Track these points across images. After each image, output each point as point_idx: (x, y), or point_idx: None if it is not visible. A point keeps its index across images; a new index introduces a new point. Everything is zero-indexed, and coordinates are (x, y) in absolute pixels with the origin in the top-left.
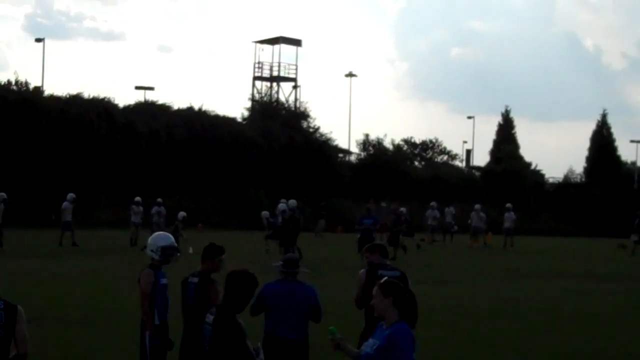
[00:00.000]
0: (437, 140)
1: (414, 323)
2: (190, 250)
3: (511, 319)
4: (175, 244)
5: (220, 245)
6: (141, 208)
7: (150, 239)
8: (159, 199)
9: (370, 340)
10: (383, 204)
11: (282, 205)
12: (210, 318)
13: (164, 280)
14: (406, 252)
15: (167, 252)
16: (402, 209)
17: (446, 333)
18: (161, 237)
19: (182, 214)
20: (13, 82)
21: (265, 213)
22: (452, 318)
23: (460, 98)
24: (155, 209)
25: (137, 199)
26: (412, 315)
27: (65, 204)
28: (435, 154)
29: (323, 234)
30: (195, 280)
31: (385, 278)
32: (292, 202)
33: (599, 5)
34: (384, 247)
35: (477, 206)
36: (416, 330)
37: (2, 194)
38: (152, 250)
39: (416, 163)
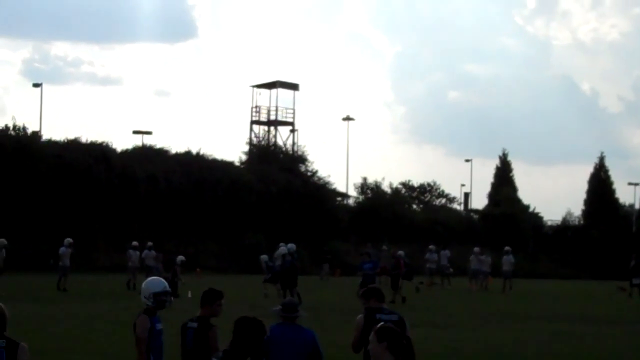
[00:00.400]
0: (435, 183)
1: None
2: (189, 295)
3: None
4: (169, 289)
5: (219, 290)
6: (138, 252)
7: (143, 285)
8: (150, 243)
9: None
10: (384, 247)
11: (282, 249)
12: None
13: (159, 326)
14: (404, 301)
15: (160, 298)
16: (400, 252)
17: None
18: (154, 283)
19: (180, 258)
20: (11, 127)
21: (264, 257)
22: None
23: (457, 141)
24: (145, 252)
25: (134, 243)
26: (407, 358)
27: (62, 249)
28: (433, 197)
29: (328, 277)
30: (195, 325)
31: (382, 323)
32: (291, 246)
33: (594, 49)
34: (379, 291)
35: (476, 249)
36: None
37: (3, 240)
38: (145, 297)
39: (414, 206)
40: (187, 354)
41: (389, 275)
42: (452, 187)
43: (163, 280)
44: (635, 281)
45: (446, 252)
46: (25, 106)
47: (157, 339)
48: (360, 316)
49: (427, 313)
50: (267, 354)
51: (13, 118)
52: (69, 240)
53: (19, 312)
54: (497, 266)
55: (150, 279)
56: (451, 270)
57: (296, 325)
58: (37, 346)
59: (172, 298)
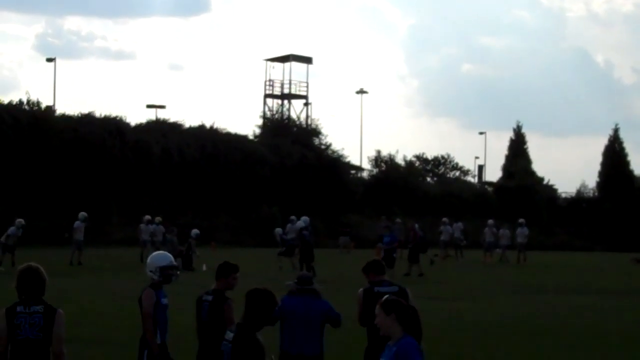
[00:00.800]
0: (449, 156)
1: (419, 338)
2: (204, 268)
3: (525, 335)
4: (175, 263)
5: (234, 264)
6: (150, 226)
7: (149, 259)
8: (158, 218)
9: None
10: (398, 220)
11: (299, 223)
12: (230, 335)
13: (165, 300)
14: (422, 276)
15: (166, 272)
16: (416, 225)
17: (459, 349)
18: (160, 257)
19: (195, 231)
20: (25, 102)
21: (278, 230)
22: (466, 334)
23: (471, 114)
24: (154, 227)
25: (147, 217)
26: (416, 329)
27: (77, 223)
28: (447, 170)
29: (348, 250)
30: (210, 298)
31: (386, 296)
32: (305, 219)
33: (609, 20)
34: (376, 263)
35: (490, 221)
36: (428, 346)
37: (20, 220)
38: (150, 271)
39: (428, 179)
40: (203, 327)
41: (404, 247)
42: (466, 159)
43: (169, 254)
44: None
45: (459, 225)
46: (39, 81)
47: (163, 314)
48: (360, 290)
49: (442, 285)
50: (281, 324)
51: (27, 93)
52: (83, 214)
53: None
54: (511, 238)
55: (156, 252)
56: (465, 242)
57: (309, 297)
58: None
59: (179, 272)
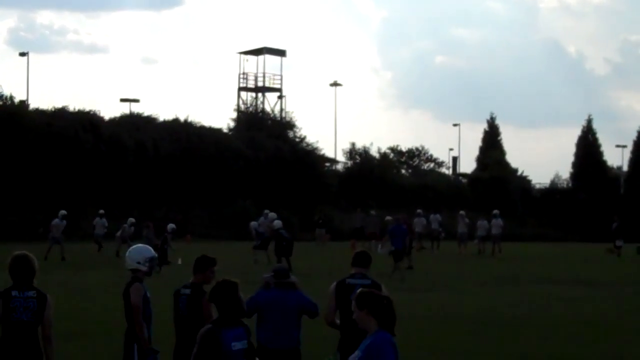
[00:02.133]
0: (423, 148)
1: (391, 328)
2: (179, 261)
3: (502, 326)
4: (156, 255)
5: (212, 257)
6: (104, 220)
7: (133, 252)
8: (101, 211)
9: (355, 353)
10: (372, 212)
11: (277, 223)
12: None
13: (148, 293)
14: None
15: (152, 264)
16: (388, 217)
17: (433, 341)
18: (145, 249)
19: (171, 225)
20: None
21: (253, 223)
22: (443, 326)
23: (445, 106)
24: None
25: (101, 211)
26: (389, 320)
27: (55, 220)
28: (422, 162)
29: (324, 243)
30: (187, 291)
31: (360, 290)
32: (278, 222)
33: (580, 11)
34: (358, 256)
35: (462, 212)
36: (406, 338)
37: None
38: (138, 262)
39: (403, 171)
40: (181, 321)
41: (379, 239)
42: (440, 151)
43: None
44: (618, 243)
45: (437, 216)
46: (12, 75)
47: (148, 307)
48: (333, 284)
49: (417, 277)
50: (258, 317)
51: (0, 87)
52: (63, 212)
53: (4, 282)
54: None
55: (137, 245)
56: (443, 234)
57: (287, 289)
58: None
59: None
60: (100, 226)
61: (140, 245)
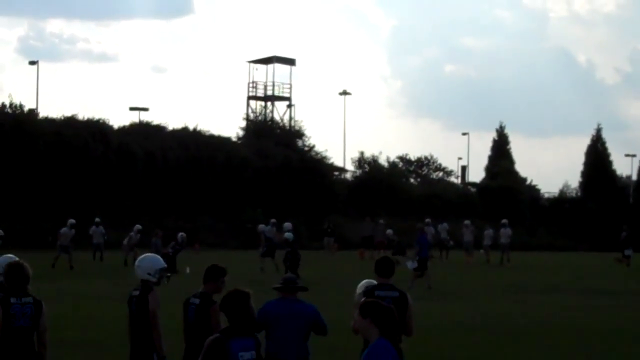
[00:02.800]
0: (432, 157)
1: (393, 337)
2: (187, 270)
3: (509, 335)
4: (166, 265)
5: (223, 267)
6: (72, 231)
7: (143, 262)
8: (97, 219)
9: None
10: (381, 221)
11: (288, 235)
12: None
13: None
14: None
15: (162, 275)
16: (389, 231)
17: (443, 350)
18: (156, 259)
19: (181, 235)
20: (7, 105)
21: (262, 226)
22: (450, 335)
23: (454, 115)
24: (92, 228)
25: (97, 219)
26: (392, 330)
27: (64, 229)
28: (431, 171)
29: (334, 252)
30: (197, 301)
31: (363, 299)
32: (289, 234)
33: (590, 20)
34: (381, 263)
35: (467, 222)
36: (412, 347)
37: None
38: (149, 274)
39: (412, 180)
40: (189, 330)
41: (385, 249)
42: (449, 160)
43: (159, 256)
44: (627, 252)
45: (444, 225)
46: (22, 84)
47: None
48: (358, 294)
49: (426, 287)
50: (267, 328)
51: (10, 96)
52: (72, 221)
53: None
54: (494, 238)
55: (148, 255)
56: (452, 243)
57: (296, 300)
58: None
59: (169, 275)
60: (98, 234)
61: (150, 255)
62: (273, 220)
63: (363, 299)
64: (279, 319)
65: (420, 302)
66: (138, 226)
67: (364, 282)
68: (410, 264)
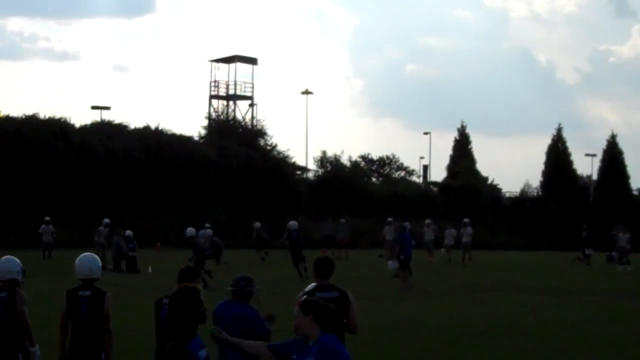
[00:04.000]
0: (394, 156)
1: (336, 334)
2: (150, 270)
3: (472, 335)
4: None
5: (196, 269)
6: (49, 226)
7: (85, 261)
8: (47, 218)
9: None
10: (342, 220)
11: (293, 223)
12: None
13: None
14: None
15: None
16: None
17: (408, 350)
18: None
19: (128, 232)
20: None
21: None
22: (414, 335)
23: (416, 114)
24: (100, 229)
25: (106, 220)
26: (335, 329)
27: (42, 226)
28: (393, 170)
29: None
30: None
31: (304, 297)
32: (293, 223)
33: (551, 20)
34: (318, 265)
35: (428, 221)
36: (376, 347)
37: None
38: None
39: (374, 179)
40: (161, 330)
41: (348, 248)
42: (411, 159)
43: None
44: (587, 252)
45: (406, 224)
46: None
47: None
48: (299, 295)
49: (388, 286)
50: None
51: None
52: (47, 218)
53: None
54: (456, 237)
55: (87, 254)
56: (414, 243)
57: (240, 302)
58: None
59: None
60: (48, 233)
61: (88, 254)
62: (207, 224)
63: (304, 297)
64: (224, 320)
65: (380, 302)
66: (106, 220)
67: (311, 285)
68: (392, 264)
